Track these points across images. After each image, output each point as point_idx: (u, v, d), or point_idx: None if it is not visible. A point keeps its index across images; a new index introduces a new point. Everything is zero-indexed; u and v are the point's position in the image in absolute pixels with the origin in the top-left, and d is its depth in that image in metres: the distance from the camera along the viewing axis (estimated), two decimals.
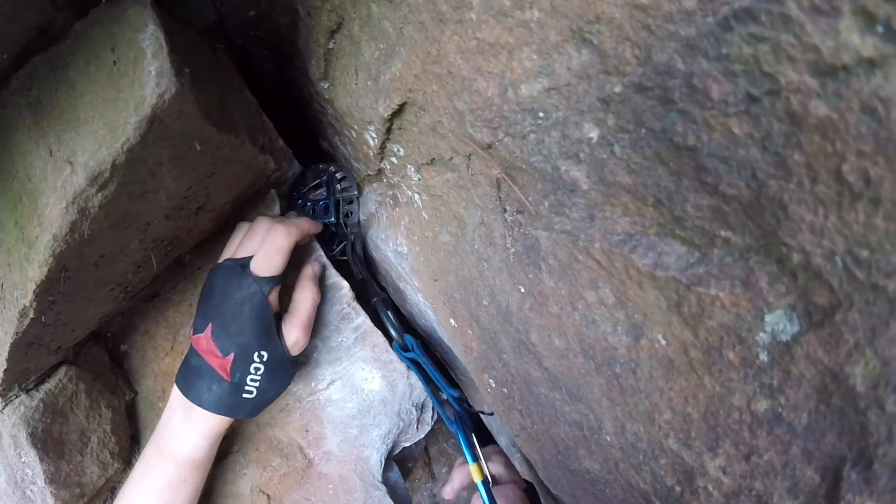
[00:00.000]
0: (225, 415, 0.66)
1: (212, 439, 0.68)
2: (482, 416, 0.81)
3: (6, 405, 0.69)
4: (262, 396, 0.67)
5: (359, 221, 0.83)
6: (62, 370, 0.74)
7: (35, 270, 0.53)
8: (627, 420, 0.43)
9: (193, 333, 0.67)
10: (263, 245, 0.66)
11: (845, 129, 0.22)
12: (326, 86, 0.68)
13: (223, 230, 0.80)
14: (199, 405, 0.65)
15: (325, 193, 0.83)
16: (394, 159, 0.67)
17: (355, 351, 0.80)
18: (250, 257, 0.66)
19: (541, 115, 0.37)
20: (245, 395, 0.66)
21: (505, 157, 0.43)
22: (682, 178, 0.31)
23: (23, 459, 0.69)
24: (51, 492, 0.70)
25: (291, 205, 0.85)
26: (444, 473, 1.04)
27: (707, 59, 0.26)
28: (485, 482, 0.73)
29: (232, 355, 0.64)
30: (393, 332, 0.73)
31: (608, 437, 0.47)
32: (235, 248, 0.70)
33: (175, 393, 0.68)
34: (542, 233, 0.43)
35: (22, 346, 0.62)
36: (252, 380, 0.65)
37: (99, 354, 0.80)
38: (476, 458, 0.74)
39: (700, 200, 0.31)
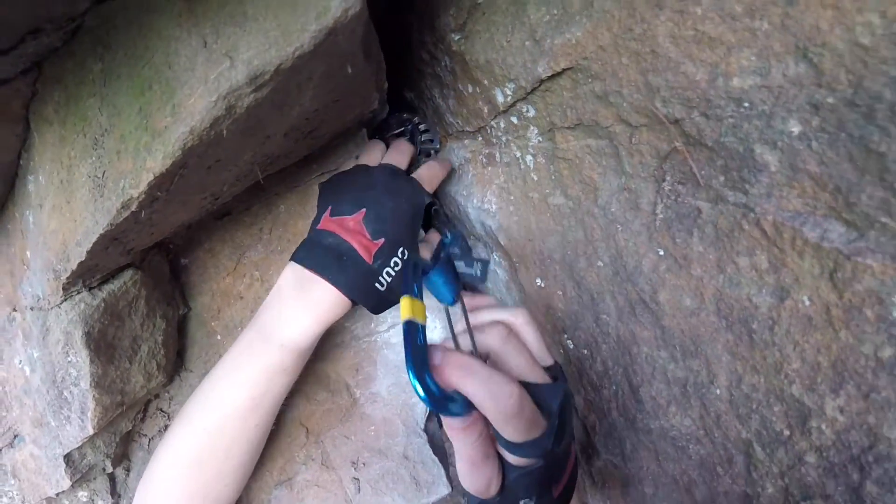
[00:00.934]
0: (354, 297, 0.74)
1: (324, 325, 0.75)
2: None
3: (65, 300, 0.75)
4: (387, 294, 0.76)
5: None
6: (128, 273, 0.82)
7: (156, 161, 0.58)
8: (748, 372, 0.61)
9: (332, 215, 0.77)
10: (426, 168, 0.85)
11: None
12: (457, 38, 0.83)
13: (308, 161, 0.92)
14: (328, 281, 0.74)
15: (408, 139, 0.98)
16: (514, 119, 0.83)
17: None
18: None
19: (746, 104, 0.55)
20: (376, 285, 0.75)
21: (691, 132, 0.60)
22: (866, 174, 0.49)
23: (69, 359, 0.76)
24: (94, 395, 0.77)
25: None
26: None
27: None
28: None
29: (382, 240, 0.75)
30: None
31: (718, 391, 0.65)
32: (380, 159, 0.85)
33: (290, 273, 0.76)
34: (705, 203, 0.61)
35: (106, 241, 0.67)
36: (388, 273, 0.76)
37: (161, 263, 0.90)
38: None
39: (874, 192, 0.49)
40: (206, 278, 0.94)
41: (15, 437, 0.84)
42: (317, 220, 0.81)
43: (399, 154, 0.87)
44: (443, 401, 0.51)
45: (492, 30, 0.77)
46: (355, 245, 0.76)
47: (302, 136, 0.79)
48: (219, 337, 0.94)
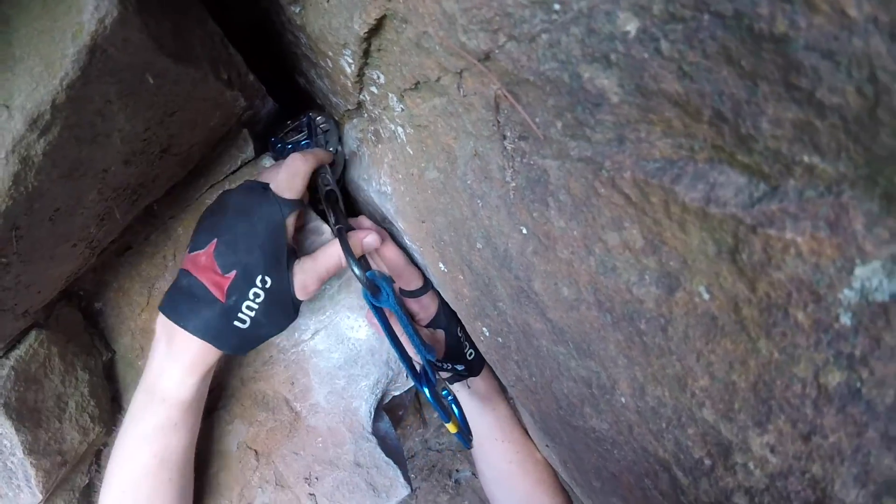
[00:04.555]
0: (210, 341, 0.56)
1: (198, 375, 0.58)
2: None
3: None
4: (254, 330, 0.57)
5: (343, 167, 0.72)
6: (32, 335, 0.65)
7: None
8: (650, 383, 0.35)
9: (190, 251, 0.58)
10: (283, 169, 0.60)
11: None
12: (297, 10, 0.56)
13: (194, 176, 0.70)
14: (182, 327, 0.56)
15: (305, 136, 0.72)
16: (374, 88, 0.56)
17: (339, 298, 0.71)
18: (267, 183, 0.59)
19: (556, 6, 0.27)
20: (236, 324, 0.56)
21: (506, 67, 0.32)
22: (761, 81, 0.22)
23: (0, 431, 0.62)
24: (31, 462, 0.63)
25: (266, 147, 0.75)
26: (436, 419, 0.98)
27: None
28: (459, 433, 0.67)
29: (233, 273, 0.55)
30: (355, 271, 0.58)
31: (623, 399, 0.39)
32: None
33: (160, 323, 0.59)
34: (552, 162, 0.34)
35: None
36: (248, 307, 0.56)
37: (71, 315, 0.71)
38: (449, 416, 0.66)
39: (782, 113, 0.22)
40: (122, 318, 0.75)
41: None
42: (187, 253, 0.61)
43: (285, 176, 0.60)
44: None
45: None
46: (206, 282, 0.56)
47: (155, 158, 0.58)
48: None
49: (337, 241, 0.60)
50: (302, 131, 0.73)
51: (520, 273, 0.43)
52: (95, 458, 0.74)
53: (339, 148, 0.73)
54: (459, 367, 0.70)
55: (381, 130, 0.63)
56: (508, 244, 0.42)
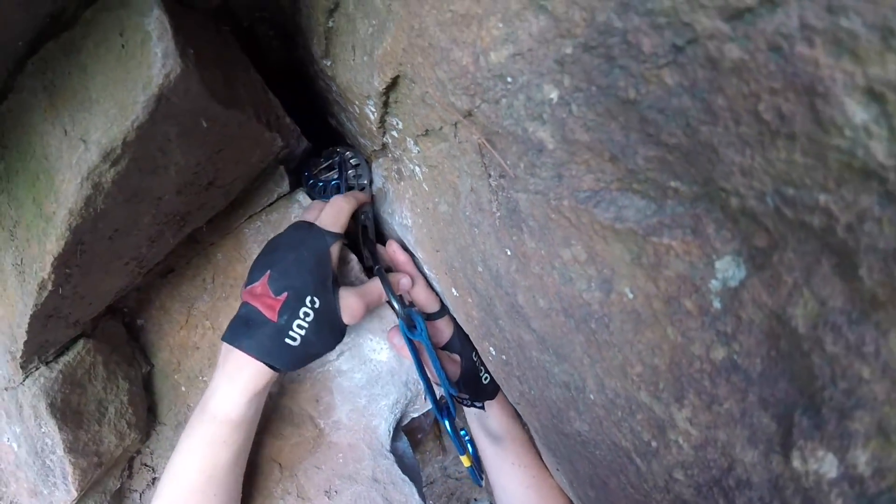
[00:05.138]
0: (263, 359, 0.66)
1: (249, 395, 0.67)
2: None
3: (27, 377, 0.72)
4: (304, 348, 0.67)
5: (371, 205, 0.85)
6: (80, 343, 0.77)
7: (52, 244, 0.56)
8: (606, 376, 0.44)
9: (247, 286, 0.69)
10: (327, 208, 0.73)
11: (757, 69, 0.23)
12: (328, 63, 0.70)
13: (234, 206, 0.83)
14: (238, 347, 0.66)
15: (336, 174, 0.86)
16: (394, 133, 0.69)
17: (363, 322, 0.82)
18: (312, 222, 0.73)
19: (509, 80, 0.39)
20: (287, 341, 0.66)
21: (483, 122, 0.44)
22: (630, 131, 0.32)
23: (42, 430, 0.73)
24: (69, 460, 0.73)
25: (300, 183, 0.88)
26: (455, 447, 1.06)
27: (637, 15, 0.27)
28: (472, 467, 0.75)
29: (285, 295, 0.66)
30: (395, 306, 0.73)
31: (592, 396, 0.48)
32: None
33: (222, 350, 0.70)
34: (521, 195, 0.45)
35: (41, 319, 0.65)
36: (299, 325, 0.66)
37: (116, 328, 0.84)
38: (465, 450, 0.75)
39: (648, 152, 0.32)
40: (162, 334, 0.88)
41: None
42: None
43: (331, 213, 0.75)
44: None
45: (343, 51, 0.64)
46: (260, 307, 0.67)
47: (202, 189, 0.72)
48: (183, 388, 0.88)
49: (377, 278, 0.73)
50: (333, 169, 0.86)
51: (509, 289, 0.53)
52: (128, 464, 0.86)
53: (371, 182, 0.86)
54: (478, 404, 0.79)
55: (402, 169, 0.75)
56: (498, 265, 0.53)
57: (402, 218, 0.79)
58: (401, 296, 0.76)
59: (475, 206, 0.54)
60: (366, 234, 0.81)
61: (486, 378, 0.82)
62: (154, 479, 0.86)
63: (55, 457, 0.74)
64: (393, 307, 0.73)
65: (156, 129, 0.53)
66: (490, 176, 0.49)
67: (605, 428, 0.49)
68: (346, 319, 0.70)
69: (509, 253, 0.51)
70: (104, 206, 0.55)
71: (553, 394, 0.57)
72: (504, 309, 0.59)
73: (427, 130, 0.59)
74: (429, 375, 0.75)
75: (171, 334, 0.87)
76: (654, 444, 0.42)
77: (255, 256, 0.76)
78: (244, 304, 0.69)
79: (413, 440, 0.88)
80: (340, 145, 0.89)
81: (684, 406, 0.37)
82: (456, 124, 0.51)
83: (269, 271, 0.69)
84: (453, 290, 0.72)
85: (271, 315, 0.66)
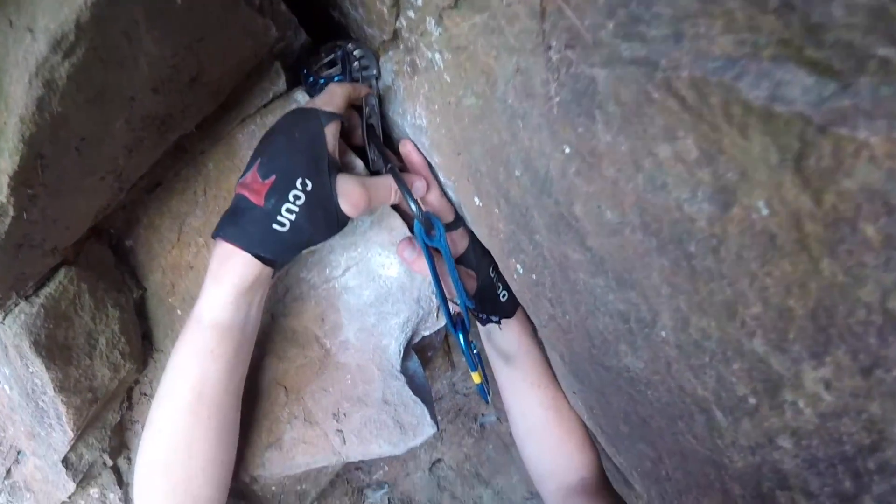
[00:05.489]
0: (248, 248, 0.56)
1: (235, 292, 0.58)
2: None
3: (6, 315, 0.62)
4: (294, 235, 0.57)
5: (377, 101, 0.71)
6: (61, 272, 0.66)
7: (6, 161, 0.46)
8: (694, 313, 0.34)
9: (238, 181, 0.59)
10: (323, 92, 0.63)
11: None
12: None
13: (225, 109, 0.70)
14: (221, 238, 0.57)
15: (339, 70, 0.71)
16: (411, 13, 0.55)
17: (371, 235, 0.71)
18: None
19: None
20: (275, 227, 0.56)
21: None
22: None
23: (30, 370, 0.64)
24: (62, 400, 0.65)
25: (298, 80, 0.74)
26: (464, 363, 0.99)
27: None
28: (481, 384, 0.67)
29: (273, 178, 0.56)
30: (412, 206, 0.62)
31: (663, 333, 0.38)
32: None
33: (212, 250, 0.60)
34: (601, 70, 0.32)
35: (9, 250, 0.54)
36: (288, 209, 0.56)
37: (101, 252, 0.73)
38: (476, 366, 0.67)
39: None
40: (153, 255, 0.76)
41: (18, 453, 0.73)
42: None
43: (324, 95, 0.63)
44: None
45: None
46: (247, 194, 0.57)
47: (185, 87, 0.58)
48: (179, 312, 0.77)
49: (388, 175, 0.62)
50: (336, 64, 0.72)
51: (560, 197, 0.41)
52: (127, 395, 0.77)
53: (379, 78, 0.72)
54: (495, 319, 0.71)
55: (417, 60, 0.61)
56: (550, 166, 0.41)
57: (415, 118, 0.65)
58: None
59: (522, 92, 0.41)
60: (372, 132, 0.68)
61: (503, 295, 0.72)
62: None
63: (46, 397, 0.65)
64: (409, 208, 0.62)
65: (116, 8, 0.43)
66: (551, 48, 0.36)
67: (674, 371, 0.39)
68: (345, 208, 0.59)
69: (568, 150, 0.38)
70: (62, 110, 0.45)
71: (600, 323, 0.47)
72: (545, 221, 0.47)
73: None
74: (444, 287, 0.66)
75: (163, 254, 0.75)
76: (752, 400, 0.32)
77: None
78: (235, 196, 0.59)
79: (423, 358, 0.80)
80: (342, 39, 0.74)
81: (824, 365, 0.27)
82: None
83: (259, 159, 0.58)
84: (476, 199, 0.60)
85: (258, 200, 0.56)
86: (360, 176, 0.62)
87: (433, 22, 0.52)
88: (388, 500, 1.03)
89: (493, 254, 0.65)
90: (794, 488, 0.32)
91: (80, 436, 0.69)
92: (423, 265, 0.65)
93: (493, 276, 0.71)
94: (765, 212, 0.27)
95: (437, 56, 0.54)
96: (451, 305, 0.68)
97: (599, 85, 0.32)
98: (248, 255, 0.56)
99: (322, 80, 0.71)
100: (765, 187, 0.26)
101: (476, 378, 0.64)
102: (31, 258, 0.60)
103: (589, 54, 0.32)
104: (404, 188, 0.62)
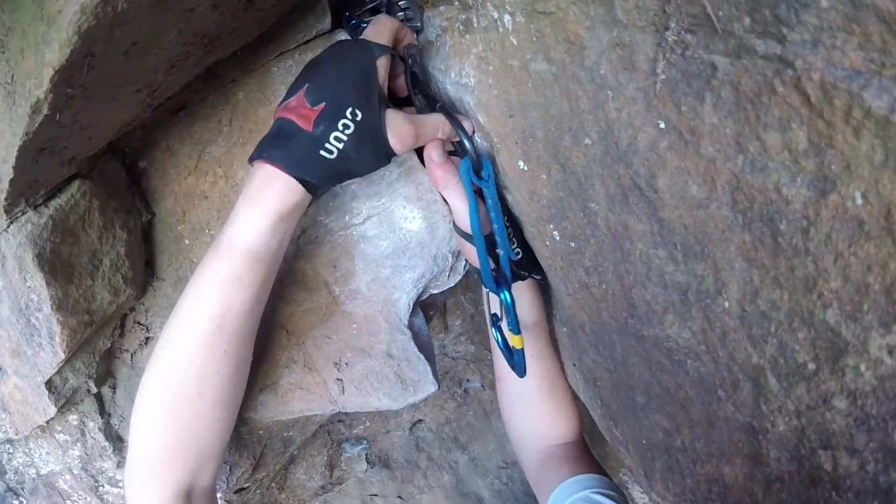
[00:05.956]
0: (293, 171, 0.59)
1: (274, 217, 0.59)
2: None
3: (11, 223, 0.63)
4: (341, 163, 0.60)
5: (419, 49, 0.75)
6: (75, 184, 0.68)
7: (54, 53, 0.47)
8: (767, 286, 0.41)
9: (280, 104, 0.63)
10: (370, 25, 0.67)
11: None
12: None
13: (264, 40, 0.73)
14: (264, 160, 0.59)
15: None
16: None
17: (397, 187, 0.76)
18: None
19: None
20: (322, 153, 0.59)
21: None
22: None
23: (28, 284, 0.65)
24: (58, 319, 0.67)
25: (340, 25, 0.78)
26: (458, 326, 1.06)
27: None
28: (521, 351, 0.73)
29: (322, 105, 0.60)
30: (467, 145, 0.67)
31: (726, 304, 0.46)
32: None
33: (249, 174, 0.63)
34: (722, 58, 0.38)
35: (31, 152, 0.56)
36: (336, 137, 0.59)
37: (116, 170, 0.74)
38: (519, 329, 0.72)
39: None
40: (167, 180, 0.78)
41: None
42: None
43: (373, 28, 0.67)
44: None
45: None
46: (294, 118, 0.60)
47: (240, 8, 0.61)
48: (187, 241, 0.79)
49: (439, 113, 0.68)
50: (380, 11, 0.76)
51: (641, 169, 0.48)
52: (120, 322, 0.79)
53: (421, 31, 0.76)
54: (537, 276, 0.76)
55: (474, 19, 0.66)
56: (637, 138, 0.47)
57: (460, 76, 0.70)
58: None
59: (619, 64, 0.47)
60: (416, 79, 0.73)
61: (518, 253, 0.76)
62: (147, 338, 0.80)
63: (41, 314, 0.66)
64: (464, 144, 0.67)
65: None
66: (668, 29, 0.42)
67: (729, 340, 0.47)
68: (393, 143, 0.63)
69: (662, 126, 0.45)
70: (126, 6, 0.45)
71: (648, 293, 0.55)
72: (610, 190, 0.54)
73: None
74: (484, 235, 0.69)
75: (178, 181, 0.77)
76: (811, 366, 0.40)
77: (280, 100, 0.66)
78: (277, 120, 0.62)
79: (425, 317, 0.86)
80: None
81: (891, 332, 0.35)
82: None
83: (307, 84, 0.62)
84: (521, 162, 0.66)
85: (306, 125, 0.59)
86: (408, 113, 0.66)
87: None
88: (366, 455, 1.10)
89: (525, 218, 0.71)
90: (837, 447, 0.40)
91: (69, 359, 0.71)
92: (448, 176, 0.69)
93: (507, 226, 0.74)
94: (860, 201, 0.34)
95: (507, 17, 0.59)
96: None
97: (720, 70, 0.39)
98: (292, 179, 0.59)
99: (364, 25, 0.74)
100: (864, 181, 0.34)
101: (517, 343, 0.70)
102: (49, 165, 0.61)
103: (712, 41, 0.39)
104: (457, 125, 0.67)
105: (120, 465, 0.79)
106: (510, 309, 0.68)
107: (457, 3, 0.70)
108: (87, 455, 0.79)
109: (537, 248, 0.73)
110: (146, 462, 0.64)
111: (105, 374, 0.79)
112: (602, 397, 0.78)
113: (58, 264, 0.67)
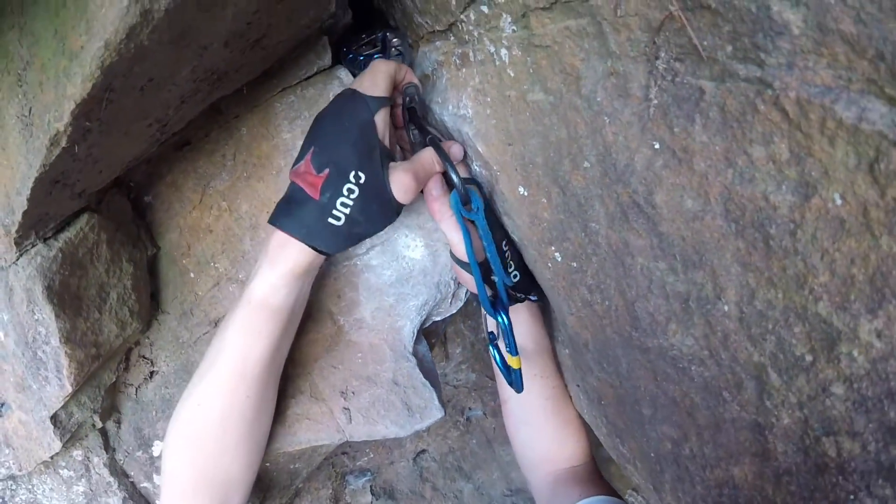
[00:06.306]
0: (304, 239, 0.66)
1: (288, 277, 0.67)
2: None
3: (21, 255, 0.67)
4: (349, 228, 0.66)
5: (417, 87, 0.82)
6: (84, 217, 0.72)
7: (76, 86, 0.51)
8: (762, 286, 0.48)
9: (292, 167, 0.68)
10: (367, 71, 0.71)
11: None
12: None
13: (268, 77, 0.79)
14: (279, 227, 0.66)
15: (379, 50, 0.83)
16: (484, 8, 0.66)
17: (400, 216, 0.81)
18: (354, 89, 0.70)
19: None
20: (331, 221, 0.65)
21: None
22: None
23: (36, 316, 0.69)
24: (65, 352, 0.70)
25: (338, 59, 0.84)
26: (458, 354, 1.11)
27: None
28: (519, 371, 0.78)
29: (326, 171, 0.65)
30: (454, 178, 0.72)
31: (726, 307, 0.52)
32: None
33: (269, 237, 0.69)
34: (709, 83, 0.45)
35: (46, 184, 0.60)
36: (343, 203, 0.65)
37: (122, 204, 0.79)
38: (517, 351, 0.78)
39: None
40: (171, 214, 0.83)
41: (1, 405, 0.77)
42: None
43: (369, 76, 0.72)
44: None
45: None
46: (302, 185, 0.67)
47: (248, 47, 0.67)
48: (192, 275, 0.84)
49: (429, 148, 0.72)
50: (376, 46, 0.83)
51: (639, 187, 0.55)
52: (125, 356, 0.83)
53: (412, 66, 0.83)
54: (533, 298, 0.81)
55: (470, 53, 0.73)
56: (635, 158, 0.54)
57: (458, 108, 0.77)
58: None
59: (613, 92, 0.54)
60: (414, 114, 0.79)
61: (515, 276, 0.81)
62: (152, 372, 0.83)
63: (49, 348, 0.70)
64: (451, 177, 0.73)
65: None
66: (658, 58, 0.49)
67: (731, 342, 0.53)
68: (398, 197, 0.69)
69: (657, 146, 0.52)
70: (147, 44, 0.50)
71: (650, 305, 0.60)
72: (610, 210, 0.60)
73: (554, 3, 0.57)
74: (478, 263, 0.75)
75: (182, 214, 0.82)
76: (808, 357, 0.46)
77: (283, 135, 0.74)
78: (290, 184, 0.68)
79: (427, 344, 0.91)
80: (380, 28, 0.85)
81: (877, 317, 0.41)
82: None
83: (312, 147, 0.68)
84: (520, 188, 0.72)
85: (313, 193, 0.66)
86: (403, 161, 0.72)
87: (509, 19, 0.64)
88: (371, 487, 1.14)
89: (526, 242, 0.77)
90: (839, 432, 0.46)
91: (75, 393, 0.75)
92: (444, 209, 0.75)
93: (506, 249, 0.80)
94: (839, 202, 0.41)
95: (504, 51, 0.67)
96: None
97: (707, 94, 0.46)
98: (304, 246, 0.66)
99: (362, 58, 0.81)
100: (841, 183, 0.40)
101: (515, 364, 0.75)
102: (60, 198, 0.66)
103: (698, 68, 0.46)
104: (445, 157, 0.73)
105: (125, 500, 0.81)
106: (508, 332, 0.74)
107: (452, 39, 0.77)
108: (91, 491, 0.81)
109: (539, 271, 0.79)
110: (175, 490, 0.70)
111: (110, 408, 0.83)
112: (607, 415, 0.83)
113: (66, 297, 0.71)
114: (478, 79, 0.73)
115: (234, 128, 0.80)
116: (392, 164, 0.70)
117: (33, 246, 0.68)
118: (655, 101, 0.50)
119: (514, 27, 0.64)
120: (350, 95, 0.70)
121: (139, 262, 0.81)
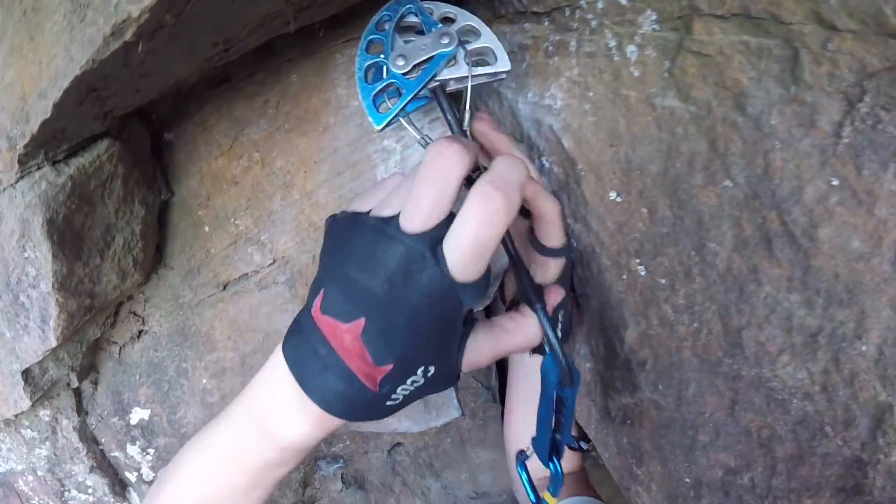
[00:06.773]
0: (355, 419, 0.60)
1: (327, 432, 0.62)
2: None
3: (22, 177, 0.59)
4: (404, 403, 0.62)
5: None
6: (103, 143, 0.65)
7: None
8: None
9: (324, 309, 0.56)
10: (461, 239, 0.53)
11: None
12: None
13: (333, 24, 0.73)
14: (324, 409, 0.58)
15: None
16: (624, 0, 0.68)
17: None
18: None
19: None
20: (388, 404, 0.60)
21: None
22: None
23: (27, 254, 0.61)
24: (57, 299, 0.64)
25: None
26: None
27: None
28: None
29: (389, 367, 0.56)
30: (560, 356, 0.67)
31: (864, 347, 0.58)
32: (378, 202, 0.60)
33: (283, 367, 0.59)
34: None
35: (82, 89, 0.52)
36: (403, 389, 0.59)
37: (142, 136, 0.72)
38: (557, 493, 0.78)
39: None
40: (194, 158, 0.77)
41: None
42: (312, 292, 0.59)
43: (467, 245, 0.52)
44: None
45: None
46: (354, 370, 0.55)
47: None
48: (206, 228, 0.77)
49: (526, 315, 0.67)
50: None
51: (800, 218, 0.59)
52: (115, 310, 0.75)
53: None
54: (585, 446, 0.81)
55: (572, 43, 0.74)
56: (804, 189, 0.58)
57: (541, 97, 0.77)
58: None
59: (792, 119, 0.58)
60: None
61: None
62: (141, 331, 0.75)
63: (36, 293, 0.63)
64: (557, 356, 0.66)
65: None
66: (861, 101, 0.54)
67: (857, 381, 0.59)
68: (465, 369, 0.64)
69: (835, 183, 0.56)
70: None
71: (763, 335, 0.65)
72: (740, 233, 0.63)
73: (737, 14, 0.60)
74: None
75: (207, 160, 0.75)
76: None
77: (338, 90, 0.67)
78: (322, 341, 0.56)
79: None
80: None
81: None
82: (845, 32, 0.54)
83: (363, 319, 0.54)
84: (612, 193, 0.75)
85: (370, 384, 0.56)
86: (485, 329, 0.65)
87: (654, 17, 0.66)
88: (342, 475, 1.13)
89: (598, 249, 0.80)
90: None
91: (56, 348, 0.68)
92: None
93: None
94: None
95: (632, 48, 0.69)
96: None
97: None
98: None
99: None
100: None
101: (550, 500, 0.76)
102: (88, 113, 0.59)
103: None
104: (552, 334, 0.66)
105: (93, 469, 0.74)
106: (559, 481, 0.74)
107: (547, 24, 0.78)
108: (55, 456, 0.74)
109: (605, 282, 0.81)
110: None
111: (88, 367, 0.75)
112: (629, 435, 0.87)
113: (68, 235, 0.64)
114: (576, 70, 0.74)
115: (284, 72, 0.75)
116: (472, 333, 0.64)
117: (39, 168, 0.60)
118: (846, 141, 0.55)
119: (658, 26, 0.66)
120: (432, 269, 0.52)
121: (151, 206, 0.74)
